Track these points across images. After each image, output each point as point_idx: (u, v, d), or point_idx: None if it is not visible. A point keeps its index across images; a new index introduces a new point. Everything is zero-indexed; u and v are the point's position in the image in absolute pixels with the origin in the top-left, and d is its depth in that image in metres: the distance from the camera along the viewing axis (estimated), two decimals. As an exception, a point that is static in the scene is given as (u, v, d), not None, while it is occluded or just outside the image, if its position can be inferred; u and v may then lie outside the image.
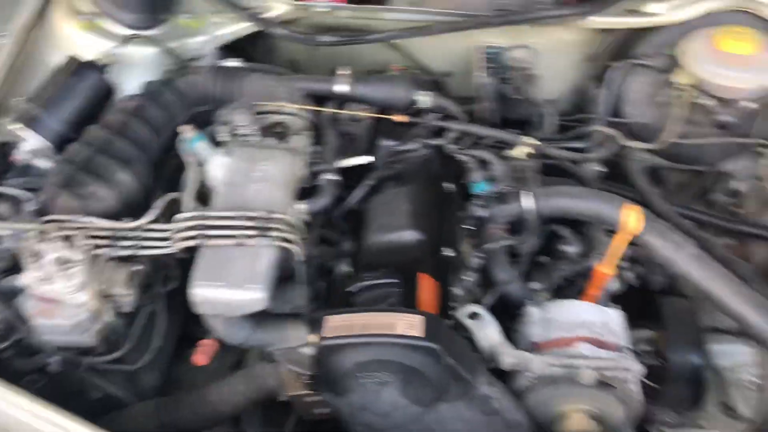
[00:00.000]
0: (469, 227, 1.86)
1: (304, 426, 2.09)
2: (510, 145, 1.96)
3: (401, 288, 1.57)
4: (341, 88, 2.02)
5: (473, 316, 1.58)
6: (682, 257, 1.74)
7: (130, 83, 2.06)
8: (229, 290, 1.56)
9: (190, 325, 2.15)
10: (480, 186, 1.89)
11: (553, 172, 2.14)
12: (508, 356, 1.57)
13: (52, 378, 1.72)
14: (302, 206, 1.72)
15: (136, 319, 1.79)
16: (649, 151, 2.37)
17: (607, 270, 1.78)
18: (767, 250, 2.31)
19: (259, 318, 1.75)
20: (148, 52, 2.15)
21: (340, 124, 2.00)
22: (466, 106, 2.11)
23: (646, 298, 2.07)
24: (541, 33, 2.26)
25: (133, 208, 1.77)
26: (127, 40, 2.11)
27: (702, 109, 2.17)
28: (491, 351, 1.60)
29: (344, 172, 1.87)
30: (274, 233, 1.60)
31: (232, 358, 2.11)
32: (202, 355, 1.70)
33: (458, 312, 1.61)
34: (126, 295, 1.68)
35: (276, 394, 1.79)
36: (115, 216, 1.72)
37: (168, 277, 1.84)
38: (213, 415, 1.81)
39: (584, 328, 1.65)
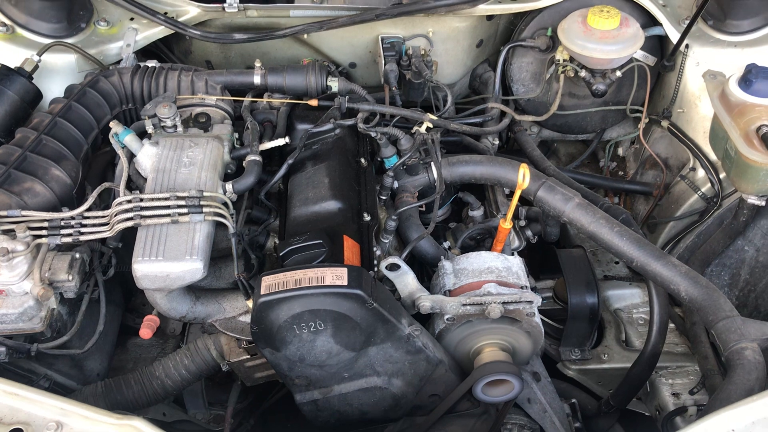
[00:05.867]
0: (383, 197, 2.06)
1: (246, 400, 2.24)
2: (415, 123, 2.15)
3: (326, 248, 1.72)
4: (258, 79, 2.16)
5: (392, 267, 1.75)
6: (570, 207, 1.97)
7: (53, 88, 2.17)
8: (167, 263, 1.68)
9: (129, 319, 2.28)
10: (391, 160, 2.09)
11: (455, 150, 2.36)
12: (426, 300, 1.76)
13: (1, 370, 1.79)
14: (229, 186, 1.86)
15: (80, 305, 1.89)
16: (538, 123, 2.65)
17: (507, 225, 1.99)
18: (646, 202, 2.62)
19: (198, 292, 1.89)
20: (68, 58, 2.25)
21: (258, 113, 2.15)
22: (374, 94, 2.29)
23: (546, 253, 2.31)
24: (437, 22, 2.46)
25: (66, 202, 1.87)
26: (46, 48, 2.19)
27: (580, 82, 2.44)
28: (410, 298, 1.78)
29: (264, 156, 2.01)
30: (206, 209, 1.74)
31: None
32: (146, 329, 1.82)
33: (379, 265, 1.77)
34: (69, 282, 1.76)
35: (219, 365, 1.93)
36: (51, 209, 1.81)
37: (107, 265, 1.94)
38: (160, 391, 1.92)
39: (490, 273, 1.85)
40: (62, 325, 1.86)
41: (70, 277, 1.76)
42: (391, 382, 1.78)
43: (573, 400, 2.07)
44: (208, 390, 2.20)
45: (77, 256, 1.80)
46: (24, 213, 1.76)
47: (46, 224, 1.77)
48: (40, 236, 1.76)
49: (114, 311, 2.18)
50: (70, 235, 1.77)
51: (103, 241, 1.89)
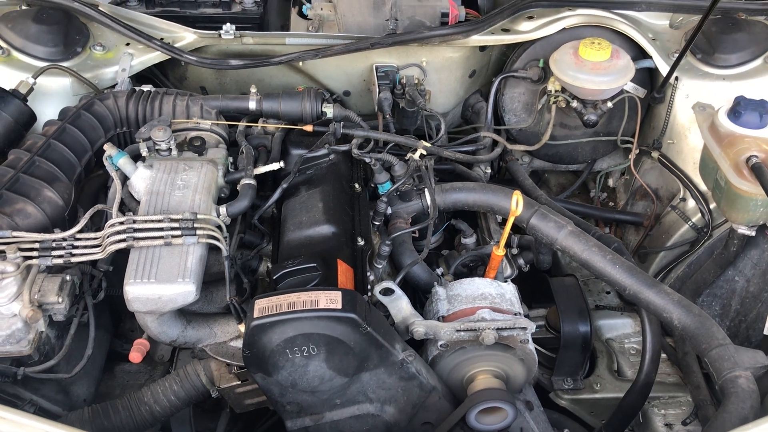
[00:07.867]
0: (376, 222, 2.06)
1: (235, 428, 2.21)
2: (408, 150, 2.16)
3: (320, 272, 1.71)
4: (253, 104, 2.17)
5: (386, 291, 1.74)
6: (563, 235, 1.97)
7: (47, 111, 2.16)
8: (160, 285, 1.66)
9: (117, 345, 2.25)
10: (385, 186, 2.09)
11: (448, 179, 2.37)
12: (419, 326, 1.75)
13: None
14: (223, 209, 1.86)
15: (68, 328, 1.86)
16: (530, 153, 2.67)
17: (500, 252, 1.99)
18: (636, 233, 2.64)
19: (190, 316, 1.87)
20: (63, 82, 2.25)
21: (253, 137, 2.16)
22: (368, 122, 2.30)
23: (538, 282, 2.31)
24: (431, 52, 2.49)
25: (59, 224, 1.85)
26: (41, 71, 2.19)
27: (571, 112, 2.46)
28: (404, 323, 1.77)
29: (258, 181, 2.00)
30: (199, 232, 1.73)
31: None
32: (136, 353, 1.79)
33: (373, 290, 1.76)
34: (58, 304, 1.74)
35: (208, 391, 1.90)
36: (43, 231, 1.79)
37: (97, 289, 1.92)
38: (148, 417, 1.88)
39: (484, 299, 1.84)
40: (50, 349, 1.83)
41: (60, 300, 1.73)
42: (383, 409, 1.76)
43: (566, 430, 2.07)
44: (196, 417, 2.16)
45: (67, 278, 1.77)
46: (15, 234, 1.74)
47: (37, 245, 1.75)
48: (31, 257, 1.74)
49: (102, 336, 2.15)
50: (61, 256, 1.74)
51: (93, 264, 1.87)
